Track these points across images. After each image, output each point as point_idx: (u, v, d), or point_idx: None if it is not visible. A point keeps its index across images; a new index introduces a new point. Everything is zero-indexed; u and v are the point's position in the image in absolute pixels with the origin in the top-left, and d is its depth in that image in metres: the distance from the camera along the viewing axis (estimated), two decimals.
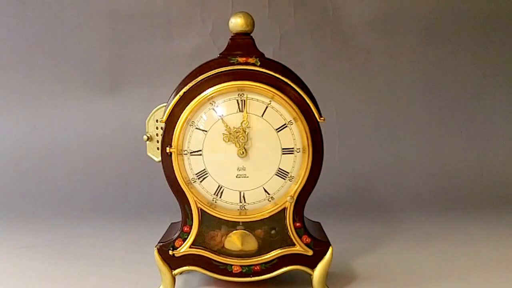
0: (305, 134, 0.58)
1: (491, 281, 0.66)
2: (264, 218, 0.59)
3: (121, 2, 1.08)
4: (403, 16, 1.09)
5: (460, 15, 1.09)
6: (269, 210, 0.59)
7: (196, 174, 0.59)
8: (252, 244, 0.60)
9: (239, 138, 0.57)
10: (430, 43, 1.10)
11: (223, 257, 0.60)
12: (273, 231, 0.60)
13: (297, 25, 1.08)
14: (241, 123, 0.57)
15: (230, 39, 0.61)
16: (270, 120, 0.58)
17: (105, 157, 1.07)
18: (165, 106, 0.61)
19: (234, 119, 0.57)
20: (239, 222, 0.60)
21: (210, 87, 0.57)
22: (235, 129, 0.57)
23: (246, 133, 0.57)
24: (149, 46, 1.09)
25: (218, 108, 0.57)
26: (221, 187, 0.59)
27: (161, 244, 0.61)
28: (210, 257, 0.60)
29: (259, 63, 0.58)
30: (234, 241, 0.60)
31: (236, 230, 0.60)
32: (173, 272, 0.61)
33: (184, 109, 0.57)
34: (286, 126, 0.58)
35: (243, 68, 0.58)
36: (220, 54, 0.61)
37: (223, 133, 0.57)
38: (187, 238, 0.60)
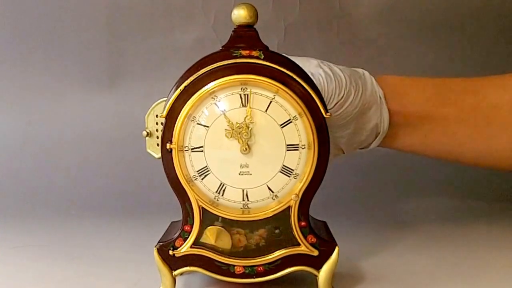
0: (310, 130, 0.56)
1: (502, 284, 0.64)
2: (268, 217, 0.58)
3: None
4: (410, 8, 1.08)
5: (469, 8, 1.08)
6: (273, 209, 0.58)
7: (197, 171, 0.57)
8: (226, 241, 0.59)
9: (242, 134, 0.56)
10: (439, 35, 1.09)
11: (225, 257, 0.59)
12: (277, 231, 0.59)
13: (302, 17, 1.07)
14: (245, 118, 0.56)
15: (232, 31, 0.59)
16: (274, 115, 0.56)
17: (103, 153, 1.06)
18: (165, 100, 0.60)
19: (237, 114, 0.56)
20: (218, 217, 0.58)
21: (212, 81, 0.56)
22: (238, 124, 0.56)
23: (250, 129, 0.56)
24: (149, 38, 1.08)
25: (220, 103, 0.56)
26: (223, 185, 0.57)
27: (161, 243, 0.60)
28: (212, 257, 0.59)
29: (262, 56, 0.57)
30: (209, 235, 0.59)
31: (213, 225, 0.59)
32: (173, 273, 0.60)
33: (185, 104, 0.56)
34: (290, 122, 0.56)
35: (246, 62, 0.57)
36: (222, 47, 0.59)
37: (225, 129, 0.56)
38: (188, 237, 0.59)
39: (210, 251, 0.59)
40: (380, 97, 0.70)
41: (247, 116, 0.56)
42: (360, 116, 0.70)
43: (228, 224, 0.59)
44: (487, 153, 0.75)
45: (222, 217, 0.58)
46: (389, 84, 0.72)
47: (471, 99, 0.74)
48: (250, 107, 0.56)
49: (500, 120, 0.73)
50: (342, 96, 0.67)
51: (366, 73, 0.72)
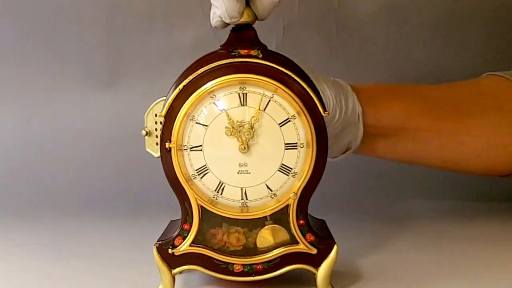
0: (309, 129, 0.56)
1: (503, 281, 0.64)
2: (267, 216, 0.58)
3: None
4: (411, 6, 1.07)
5: (470, 6, 1.08)
6: (271, 207, 0.58)
7: (196, 170, 0.57)
8: (283, 234, 0.59)
9: (244, 133, 0.56)
10: (439, 34, 1.08)
11: (224, 255, 0.59)
12: None
13: (301, 16, 1.06)
14: (251, 118, 0.56)
15: (231, 30, 0.59)
16: (273, 114, 0.56)
17: (103, 152, 1.06)
18: (164, 100, 0.60)
19: (236, 113, 0.56)
20: (266, 217, 0.58)
21: (211, 80, 0.56)
22: (239, 123, 0.56)
23: (254, 130, 0.56)
24: (148, 38, 1.07)
25: (219, 102, 0.56)
26: (222, 184, 0.57)
27: (160, 242, 0.60)
28: (211, 255, 0.59)
29: (261, 56, 0.57)
30: (266, 236, 0.59)
31: (266, 226, 0.59)
32: (172, 272, 0.59)
33: (184, 103, 0.56)
34: (289, 121, 0.56)
35: (245, 61, 0.56)
36: (221, 46, 0.59)
37: (226, 127, 0.56)
38: (187, 236, 0.59)
39: (209, 250, 0.59)
40: (358, 115, 0.70)
41: (253, 117, 0.56)
42: (336, 135, 0.70)
43: (227, 223, 0.59)
44: (454, 159, 0.76)
45: (268, 216, 0.58)
46: (367, 94, 0.72)
47: (445, 107, 0.74)
48: (259, 109, 0.56)
49: (469, 127, 0.73)
50: (328, 120, 0.67)
51: (349, 87, 0.71)
